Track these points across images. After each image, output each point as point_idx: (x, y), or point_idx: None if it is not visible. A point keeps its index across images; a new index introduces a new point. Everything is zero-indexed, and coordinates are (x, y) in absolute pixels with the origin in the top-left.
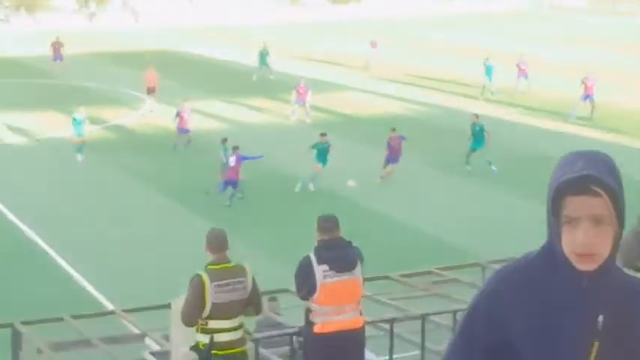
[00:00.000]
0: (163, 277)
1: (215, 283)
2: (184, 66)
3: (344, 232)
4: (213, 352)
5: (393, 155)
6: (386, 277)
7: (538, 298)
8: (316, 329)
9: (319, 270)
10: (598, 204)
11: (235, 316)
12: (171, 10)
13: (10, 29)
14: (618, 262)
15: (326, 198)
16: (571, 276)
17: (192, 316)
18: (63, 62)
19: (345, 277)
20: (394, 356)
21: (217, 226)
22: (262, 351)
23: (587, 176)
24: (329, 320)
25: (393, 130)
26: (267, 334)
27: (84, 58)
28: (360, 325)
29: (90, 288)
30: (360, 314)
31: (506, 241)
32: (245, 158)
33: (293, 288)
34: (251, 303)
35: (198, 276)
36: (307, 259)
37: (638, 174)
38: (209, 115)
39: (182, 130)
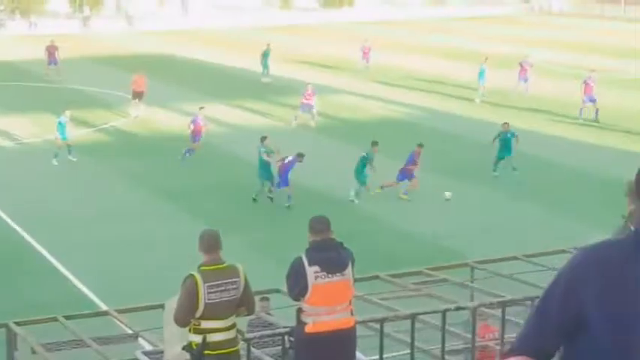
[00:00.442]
0: (157, 278)
1: (208, 283)
2: (178, 70)
3: (337, 233)
4: (205, 352)
5: (412, 171)
6: (376, 278)
7: (619, 278)
8: (308, 329)
9: (311, 271)
10: None
11: (228, 317)
12: (164, 14)
13: (5, 33)
14: None
15: (319, 199)
16: None
17: (185, 316)
18: (57, 66)
19: (336, 278)
20: (384, 356)
21: (211, 227)
22: (254, 351)
23: None
24: (320, 320)
25: (421, 145)
26: (258, 333)
27: (78, 62)
28: (352, 324)
29: (83, 288)
30: (352, 314)
31: (498, 243)
32: (289, 169)
33: (284, 288)
34: (244, 303)
35: (191, 276)
36: (299, 261)
37: (621, 173)
38: (206, 118)
39: (195, 138)
